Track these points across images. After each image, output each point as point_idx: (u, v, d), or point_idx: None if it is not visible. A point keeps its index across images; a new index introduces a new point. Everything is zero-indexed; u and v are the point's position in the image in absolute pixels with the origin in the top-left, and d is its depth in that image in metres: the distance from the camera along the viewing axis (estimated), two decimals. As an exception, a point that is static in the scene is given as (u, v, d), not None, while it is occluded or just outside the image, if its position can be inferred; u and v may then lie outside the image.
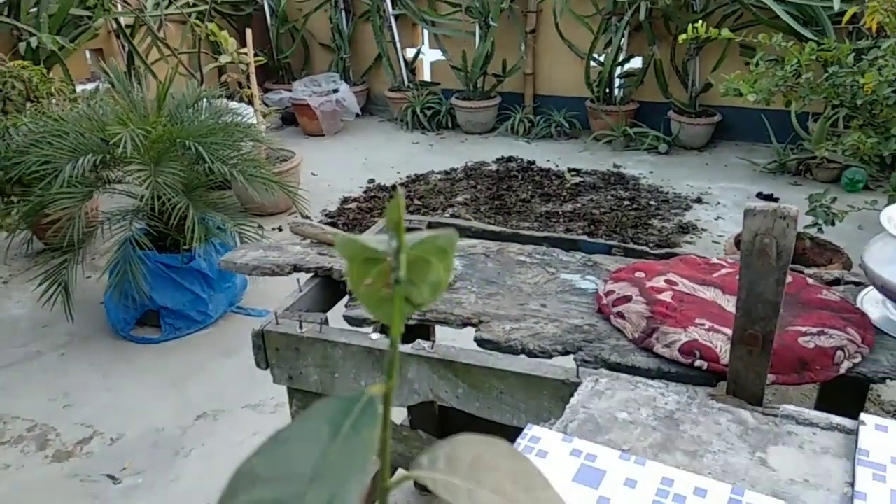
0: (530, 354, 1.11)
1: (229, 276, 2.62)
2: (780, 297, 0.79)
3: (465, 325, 1.20)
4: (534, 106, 4.70)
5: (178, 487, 1.89)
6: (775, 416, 0.81)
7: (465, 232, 1.56)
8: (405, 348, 1.13)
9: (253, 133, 2.82)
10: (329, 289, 1.37)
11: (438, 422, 1.69)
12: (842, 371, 1.00)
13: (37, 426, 2.14)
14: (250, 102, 3.54)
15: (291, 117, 4.88)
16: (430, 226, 1.60)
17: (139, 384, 2.32)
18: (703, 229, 3.21)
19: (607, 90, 4.31)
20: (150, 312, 2.55)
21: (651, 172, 3.84)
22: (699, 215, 3.34)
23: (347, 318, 1.23)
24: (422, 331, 1.52)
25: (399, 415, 1.71)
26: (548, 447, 0.77)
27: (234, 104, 3.20)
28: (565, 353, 1.10)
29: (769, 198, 3.42)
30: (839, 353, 1.01)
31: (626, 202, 3.44)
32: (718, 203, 3.44)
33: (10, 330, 2.66)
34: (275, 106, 4.43)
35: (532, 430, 0.80)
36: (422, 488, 1.81)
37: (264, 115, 3.57)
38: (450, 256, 0.30)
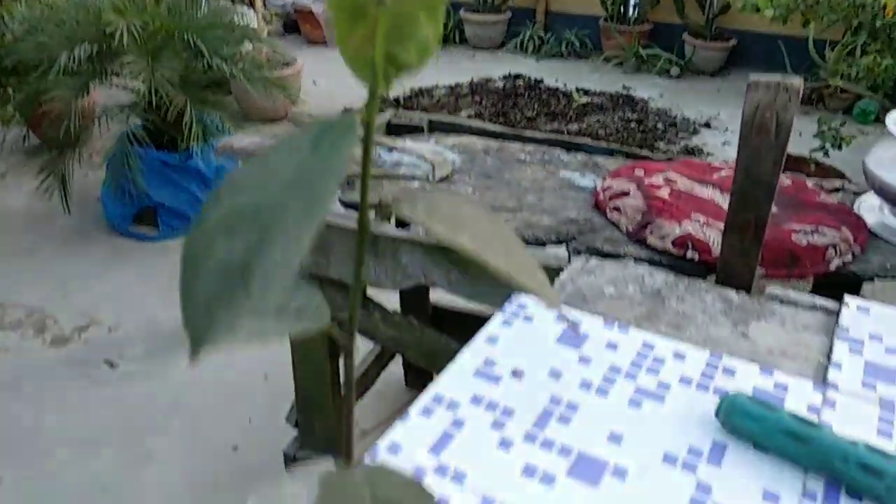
0: (524, 243, 1.11)
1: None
2: (776, 180, 0.78)
3: (460, 213, 1.19)
4: (545, 23, 4.55)
5: (176, 377, 1.94)
6: (759, 295, 0.82)
7: (467, 130, 1.54)
8: (399, 232, 1.13)
9: (254, 35, 2.74)
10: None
11: (431, 315, 1.72)
12: (832, 268, 1.00)
13: (35, 313, 2.17)
14: (251, 5, 3.43)
15: (294, 25, 4.74)
16: (431, 123, 1.58)
17: (137, 279, 2.35)
18: (708, 153, 3.17)
19: (622, 8, 4.17)
20: (148, 211, 2.55)
21: (661, 96, 3.77)
22: (706, 139, 3.30)
23: (343, 203, 1.23)
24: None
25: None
26: (533, 313, 0.78)
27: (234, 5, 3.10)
28: (558, 242, 1.10)
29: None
30: (830, 250, 1.01)
31: (634, 124, 3.39)
32: (727, 129, 3.39)
33: (7, 223, 2.67)
34: (277, 10, 4.29)
35: (519, 298, 0.80)
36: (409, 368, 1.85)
37: (266, 21, 3.46)
38: (440, 14, 0.29)
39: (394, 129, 1.55)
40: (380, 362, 1.68)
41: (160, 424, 1.77)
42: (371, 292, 1.40)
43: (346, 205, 1.22)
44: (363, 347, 1.69)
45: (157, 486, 1.61)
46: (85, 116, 2.43)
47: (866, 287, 1.04)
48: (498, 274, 0.27)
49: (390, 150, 1.36)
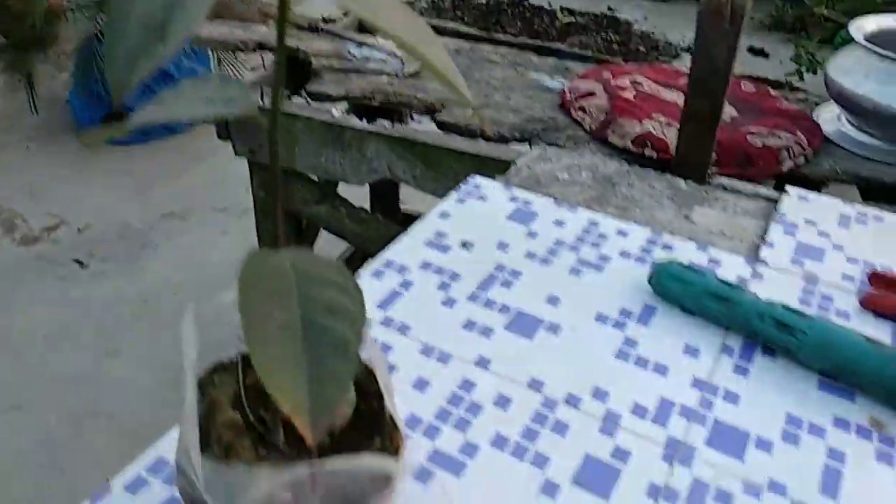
0: (487, 139, 1.12)
1: (199, 82, 2.55)
2: (730, 68, 0.80)
3: (427, 110, 1.20)
4: (532, -60, 4.40)
5: (146, 276, 1.95)
6: (707, 184, 0.84)
7: (441, 32, 1.52)
8: (365, 125, 1.13)
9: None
10: (294, 71, 1.34)
11: (401, 221, 1.74)
12: (783, 169, 1.03)
13: (2, 212, 2.16)
14: None
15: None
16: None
17: (106, 182, 2.33)
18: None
19: (610, -73, 4.04)
20: (117, 116, 2.50)
21: (645, 18, 3.72)
22: (687, 63, 3.28)
23: (310, 94, 1.22)
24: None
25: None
26: (488, 193, 0.80)
27: None
28: (522, 139, 1.12)
29: (760, 52, 3.36)
30: (784, 152, 1.03)
31: (616, 46, 3.35)
32: (707, 56, 3.36)
33: (-27, 121, 2.60)
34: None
35: (475, 179, 0.82)
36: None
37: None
38: None
39: (366, 28, 1.52)
40: (350, 266, 1.70)
41: (129, 322, 1.80)
42: (342, 192, 1.41)
43: (313, 96, 1.22)
44: (334, 251, 1.72)
45: (126, 379, 1.65)
46: (52, 13, 2.34)
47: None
48: (405, 47, 0.29)
49: (360, 45, 1.35)
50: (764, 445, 0.52)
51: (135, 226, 2.14)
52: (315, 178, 1.37)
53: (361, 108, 1.30)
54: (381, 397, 0.42)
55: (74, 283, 1.93)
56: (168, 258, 2.02)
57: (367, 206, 1.65)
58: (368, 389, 0.43)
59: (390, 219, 1.39)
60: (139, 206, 2.22)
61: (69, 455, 1.46)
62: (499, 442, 0.52)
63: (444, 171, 1.12)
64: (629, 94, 1.15)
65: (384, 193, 1.72)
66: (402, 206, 1.79)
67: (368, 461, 0.36)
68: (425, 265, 0.69)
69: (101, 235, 2.10)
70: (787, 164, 1.03)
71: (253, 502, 0.35)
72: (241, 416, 0.40)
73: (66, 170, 2.37)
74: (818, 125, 1.11)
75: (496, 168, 1.10)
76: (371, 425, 0.41)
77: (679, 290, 0.63)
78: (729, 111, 1.13)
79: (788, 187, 0.83)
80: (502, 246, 0.72)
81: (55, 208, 2.18)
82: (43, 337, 1.75)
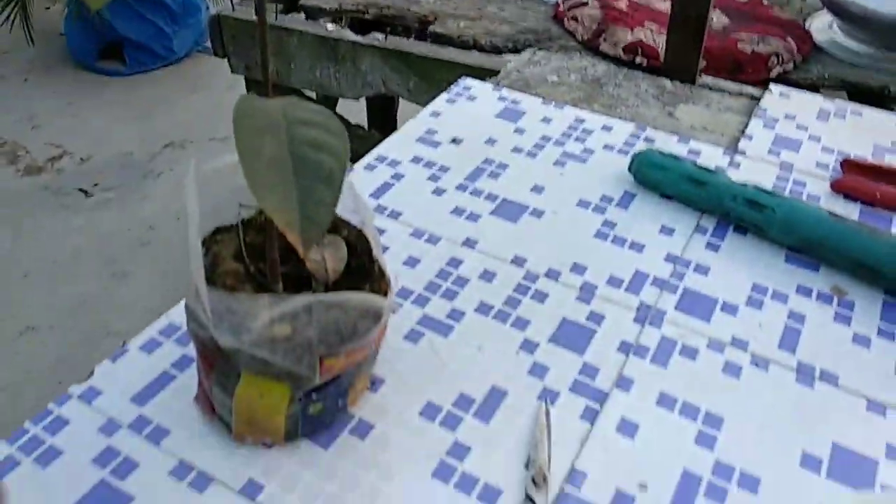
0: (481, 50, 1.13)
1: (194, 11, 2.52)
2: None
3: (420, 22, 1.20)
4: None
5: (148, 204, 1.98)
6: (693, 84, 0.86)
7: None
8: (359, 38, 1.14)
9: None
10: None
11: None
12: (772, 75, 1.04)
13: (6, 143, 2.18)
14: None
15: None
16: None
17: (106, 113, 2.33)
18: None
19: None
20: (114, 46, 2.48)
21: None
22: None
23: (304, 8, 1.22)
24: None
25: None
26: (478, 94, 0.83)
27: None
28: (515, 50, 1.13)
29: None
30: (773, 58, 1.04)
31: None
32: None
33: (-31, 54, 2.59)
34: None
35: (465, 81, 0.84)
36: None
37: None
38: None
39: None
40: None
41: (135, 248, 1.84)
42: (341, 111, 1.43)
43: (307, 10, 1.22)
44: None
45: (133, 301, 1.70)
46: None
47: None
48: None
49: (353, -40, 1.34)
50: (729, 309, 0.56)
51: (136, 155, 2.16)
52: (314, 96, 1.38)
53: (357, 23, 1.30)
54: (370, 255, 0.46)
55: (79, 212, 1.96)
56: (170, 186, 2.05)
57: (364, 123, 1.67)
58: (359, 249, 0.47)
59: (387, 135, 1.40)
60: (140, 136, 2.23)
61: (85, 373, 1.53)
62: (483, 309, 0.56)
63: (438, 83, 1.14)
64: (622, 5, 1.15)
65: (381, 110, 1.73)
66: (399, 124, 1.80)
67: (358, 296, 0.40)
68: (416, 159, 0.72)
69: (103, 165, 2.12)
70: (776, 71, 1.04)
71: (255, 334, 0.39)
72: (242, 268, 0.44)
73: (66, 101, 2.37)
74: (808, 33, 1.12)
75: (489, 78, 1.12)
76: (361, 276, 0.45)
77: (658, 177, 0.66)
78: (721, 20, 1.14)
79: (772, 85, 0.85)
80: (490, 142, 0.75)
81: (57, 139, 2.20)
82: (52, 263, 1.80)
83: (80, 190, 2.03)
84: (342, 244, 0.46)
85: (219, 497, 0.43)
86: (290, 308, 0.39)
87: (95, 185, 2.05)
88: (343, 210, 0.48)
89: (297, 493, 0.43)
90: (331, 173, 0.33)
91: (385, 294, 0.43)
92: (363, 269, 0.45)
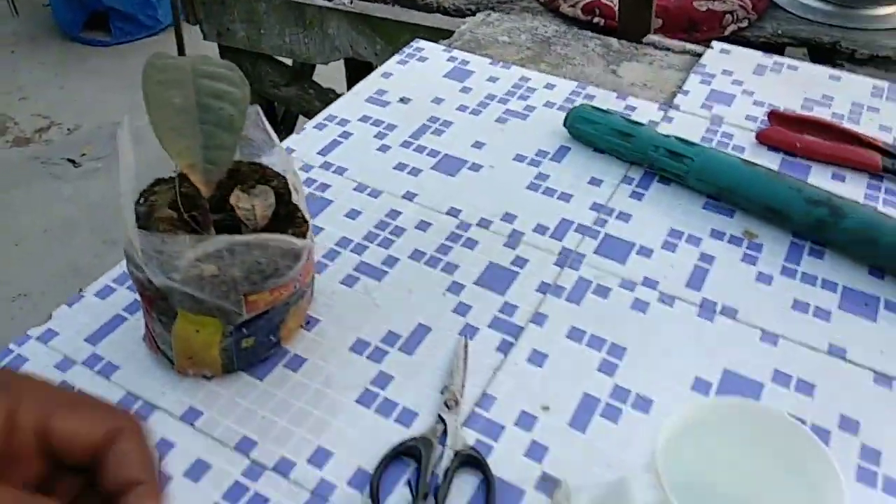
0: (444, 12, 1.15)
1: (177, -21, 2.52)
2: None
3: (386, -13, 1.22)
4: None
5: (137, 172, 2.02)
6: (639, 43, 0.89)
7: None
8: (325, 2, 1.17)
9: None
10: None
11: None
12: (726, 33, 1.07)
13: (-6, 115, 2.21)
14: None
15: None
16: None
17: (93, 84, 2.36)
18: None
19: None
20: (99, 17, 2.50)
21: None
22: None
23: (271, -26, 1.24)
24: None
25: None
26: (429, 55, 0.86)
27: None
28: (477, 11, 1.15)
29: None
30: (728, 16, 1.07)
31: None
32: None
33: (-45, 26, 2.61)
34: None
35: (417, 43, 0.87)
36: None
37: None
38: None
39: None
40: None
41: (124, 214, 1.88)
42: (319, 79, 1.46)
43: (275, -23, 1.24)
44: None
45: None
46: None
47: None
48: None
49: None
50: (645, 252, 0.60)
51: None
52: (290, 63, 1.41)
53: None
54: (296, 206, 0.50)
55: (68, 181, 2.01)
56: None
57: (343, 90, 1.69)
58: (287, 198, 0.51)
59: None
60: (126, 106, 2.25)
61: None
62: (416, 255, 0.60)
63: (404, 45, 1.16)
64: (583, -35, 1.17)
65: (357, 77, 1.76)
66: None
67: (278, 238, 0.45)
68: (364, 118, 0.76)
69: (90, 135, 2.15)
70: (731, 28, 1.07)
71: (183, 272, 0.44)
72: (177, 216, 0.48)
73: (53, 72, 2.39)
74: (765, -10, 1.14)
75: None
76: (288, 222, 0.49)
77: (590, 131, 0.70)
78: (680, -21, 1.16)
79: (714, 42, 0.88)
80: (437, 100, 0.78)
81: (45, 110, 2.23)
82: (43, 231, 1.84)
83: (69, 160, 2.07)
84: (271, 193, 0.50)
85: (162, 423, 0.48)
86: (213, 248, 0.43)
87: (83, 154, 2.08)
88: (268, 159, 0.52)
89: (232, 418, 0.48)
90: (231, 120, 0.37)
91: (304, 236, 0.47)
92: (290, 217, 0.49)
